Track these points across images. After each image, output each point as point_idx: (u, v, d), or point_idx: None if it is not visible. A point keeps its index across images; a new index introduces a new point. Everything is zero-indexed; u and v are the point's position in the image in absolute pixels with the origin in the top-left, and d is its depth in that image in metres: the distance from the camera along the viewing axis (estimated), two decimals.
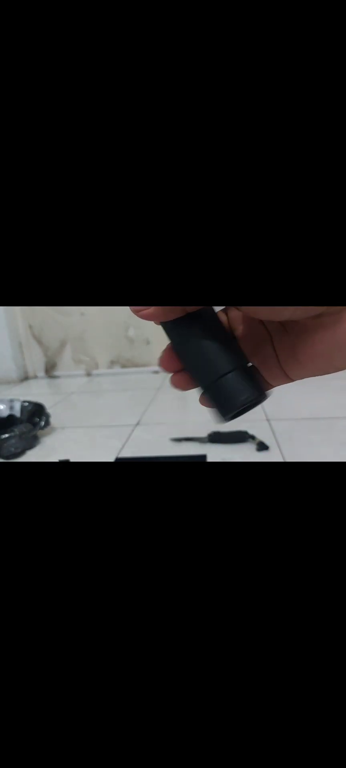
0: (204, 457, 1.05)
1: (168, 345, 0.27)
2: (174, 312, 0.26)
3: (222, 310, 0.29)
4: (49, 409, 1.39)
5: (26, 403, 1.35)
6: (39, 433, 1.33)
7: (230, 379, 0.24)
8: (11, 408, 1.34)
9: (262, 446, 1.06)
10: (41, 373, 2.37)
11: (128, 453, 1.15)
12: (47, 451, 1.25)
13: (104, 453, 1.17)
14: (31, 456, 1.22)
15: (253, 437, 1.10)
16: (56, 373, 2.35)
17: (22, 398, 1.39)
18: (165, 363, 0.27)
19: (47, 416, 1.35)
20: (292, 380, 0.28)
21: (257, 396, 0.24)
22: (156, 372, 2.16)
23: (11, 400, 1.36)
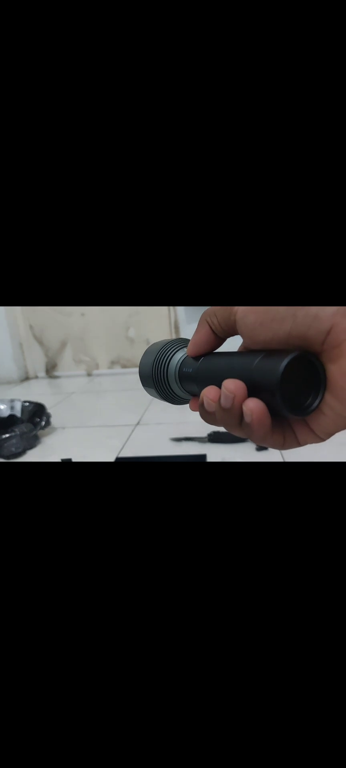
0: (204, 456, 1.05)
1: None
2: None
3: None
4: (49, 409, 1.39)
5: (27, 403, 1.36)
6: (40, 432, 1.33)
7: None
8: (12, 408, 1.34)
9: (261, 446, 1.06)
10: (42, 374, 2.37)
11: (129, 453, 1.16)
12: (48, 450, 1.25)
13: (105, 452, 1.17)
14: (31, 456, 1.22)
15: None
16: (57, 373, 2.35)
17: (23, 398, 1.39)
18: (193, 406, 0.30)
19: (48, 416, 1.36)
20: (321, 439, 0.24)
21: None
22: None
23: (12, 400, 1.36)
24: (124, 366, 2.26)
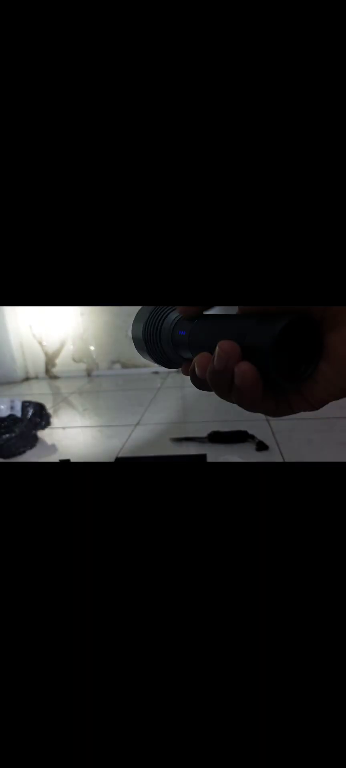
0: (204, 456, 1.05)
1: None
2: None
3: None
4: (49, 409, 1.39)
5: (27, 403, 1.35)
6: (39, 432, 1.33)
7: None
8: (12, 408, 1.34)
9: (261, 446, 1.06)
10: (42, 373, 2.37)
11: (129, 453, 1.15)
12: (48, 450, 1.25)
13: (105, 452, 1.17)
14: (31, 455, 1.22)
15: (253, 437, 1.10)
16: (57, 373, 2.35)
17: (23, 398, 1.39)
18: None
19: (48, 416, 1.35)
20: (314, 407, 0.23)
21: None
22: (156, 372, 2.16)
23: (12, 400, 1.36)
24: (124, 366, 2.25)
